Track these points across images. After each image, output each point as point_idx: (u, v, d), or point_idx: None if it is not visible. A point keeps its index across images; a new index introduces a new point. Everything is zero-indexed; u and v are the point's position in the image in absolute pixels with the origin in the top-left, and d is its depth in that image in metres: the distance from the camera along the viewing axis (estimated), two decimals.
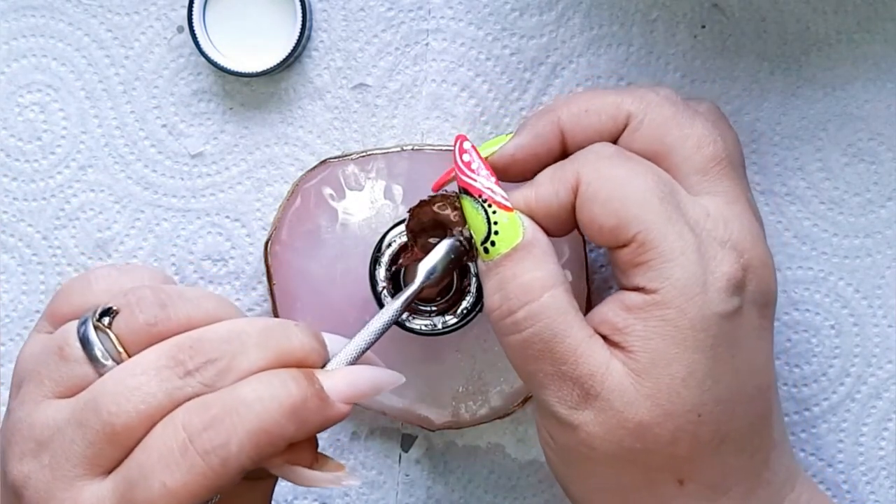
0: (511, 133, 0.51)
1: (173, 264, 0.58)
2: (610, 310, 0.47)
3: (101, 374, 0.44)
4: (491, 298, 0.48)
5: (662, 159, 0.48)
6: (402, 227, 0.52)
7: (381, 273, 0.53)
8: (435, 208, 0.50)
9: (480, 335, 0.55)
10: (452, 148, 0.49)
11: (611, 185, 0.46)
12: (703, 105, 0.52)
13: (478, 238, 0.48)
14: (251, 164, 0.58)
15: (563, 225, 0.48)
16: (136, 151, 0.58)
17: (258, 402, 0.43)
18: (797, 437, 0.57)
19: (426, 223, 0.50)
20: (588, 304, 0.55)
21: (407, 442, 0.58)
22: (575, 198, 0.47)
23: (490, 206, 0.47)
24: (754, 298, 0.47)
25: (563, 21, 0.57)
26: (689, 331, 0.45)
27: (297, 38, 0.55)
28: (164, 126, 0.58)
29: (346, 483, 0.46)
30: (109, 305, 0.45)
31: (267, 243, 0.56)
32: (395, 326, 0.53)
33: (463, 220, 0.49)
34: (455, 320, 0.53)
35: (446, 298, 0.54)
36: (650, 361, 0.45)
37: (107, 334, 0.45)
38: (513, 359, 0.48)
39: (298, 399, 0.44)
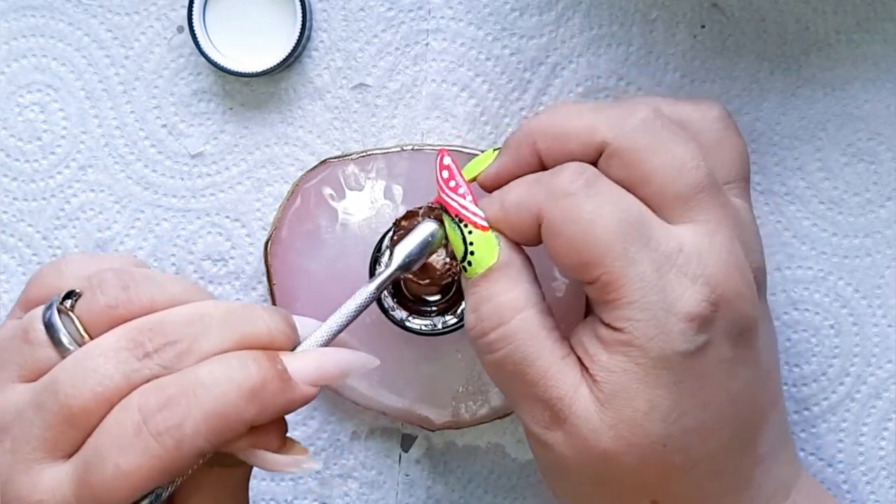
0: (496, 149, 0.50)
1: (173, 264, 0.58)
2: (585, 334, 0.47)
3: (64, 358, 0.44)
4: (468, 317, 0.48)
5: (639, 187, 0.47)
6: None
7: None
8: (420, 220, 0.49)
9: None
10: (435, 160, 0.49)
11: (573, 225, 0.46)
12: (713, 110, 0.51)
13: (458, 255, 0.48)
14: (251, 164, 0.58)
15: (534, 242, 0.48)
16: (136, 151, 0.58)
17: (215, 384, 0.42)
18: (797, 436, 0.57)
19: None
20: (587, 305, 0.55)
21: (407, 442, 0.58)
22: (539, 227, 0.47)
23: (465, 225, 0.48)
24: (726, 330, 0.46)
25: (563, 21, 0.57)
26: (650, 369, 0.45)
27: (297, 38, 0.55)
28: (164, 126, 0.58)
29: (305, 466, 0.45)
30: (73, 289, 0.45)
31: (267, 243, 0.56)
32: (394, 326, 0.53)
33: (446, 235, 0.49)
34: (455, 320, 0.53)
35: (446, 298, 0.54)
36: (612, 393, 0.45)
37: (70, 317, 0.44)
38: (490, 376, 0.49)
39: (257, 380, 0.43)
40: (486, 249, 0.47)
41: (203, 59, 0.56)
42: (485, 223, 0.48)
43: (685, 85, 0.57)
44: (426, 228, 0.49)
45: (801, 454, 0.57)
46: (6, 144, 0.58)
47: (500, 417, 0.57)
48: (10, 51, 0.58)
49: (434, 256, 0.49)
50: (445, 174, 0.48)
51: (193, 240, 0.58)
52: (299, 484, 0.58)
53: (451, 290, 0.54)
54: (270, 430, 0.45)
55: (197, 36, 0.56)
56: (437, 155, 0.49)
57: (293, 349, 0.46)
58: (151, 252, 0.58)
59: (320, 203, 0.56)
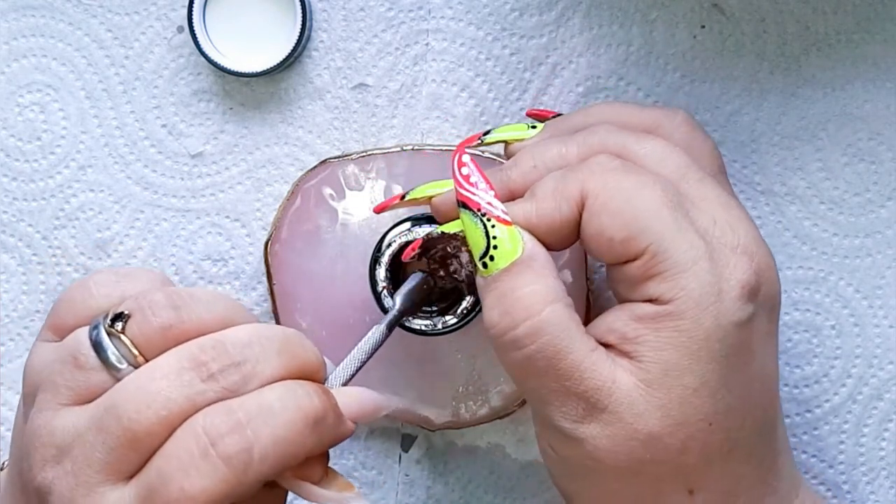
0: (531, 126, 0.52)
1: (173, 264, 0.58)
2: (617, 319, 0.46)
3: (118, 380, 0.44)
4: (490, 314, 0.47)
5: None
6: (402, 227, 0.53)
7: (381, 273, 0.53)
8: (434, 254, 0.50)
9: (480, 335, 0.55)
10: (451, 159, 0.48)
11: (620, 196, 0.45)
12: (679, 115, 0.51)
13: (476, 253, 0.47)
14: (251, 164, 0.58)
15: (564, 240, 0.47)
16: (136, 151, 0.58)
17: (284, 411, 0.43)
18: (798, 438, 0.57)
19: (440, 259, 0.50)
20: (587, 304, 0.55)
21: (407, 442, 0.58)
22: (579, 212, 0.46)
23: (489, 219, 0.47)
24: (764, 303, 0.46)
25: (563, 21, 0.57)
26: (703, 341, 0.45)
27: (297, 38, 0.55)
28: (164, 126, 0.58)
29: None
30: (121, 310, 0.45)
31: (267, 243, 0.56)
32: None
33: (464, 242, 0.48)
34: (455, 320, 0.53)
35: (446, 298, 0.54)
36: (661, 372, 0.45)
37: (120, 339, 0.44)
38: (513, 375, 0.47)
39: (321, 411, 0.44)
40: (511, 243, 0.46)
41: (203, 59, 0.56)
42: (507, 217, 0.47)
43: (685, 85, 0.57)
44: (416, 277, 0.51)
45: (803, 456, 0.57)
46: (6, 144, 0.58)
47: (500, 417, 0.57)
48: (10, 51, 0.58)
49: (458, 268, 0.49)
50: (465, 171, 0.47)
51: (193, 240, 0.58)
52: None
53: (452, 290, 0.54)
54: (316, 461, 0.45)
55: (197, 36, 0.56)
56: (455, 153, 0.48)
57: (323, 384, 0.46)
58: (151, 252, 0.58)
59: (320, 203, 0.56)
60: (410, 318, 0.53)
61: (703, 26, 0.57)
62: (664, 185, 0.46)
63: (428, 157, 0.56)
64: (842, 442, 0.57)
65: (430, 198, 0.51)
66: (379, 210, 0.53)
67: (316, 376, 0.45)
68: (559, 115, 0.55)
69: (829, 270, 0.57)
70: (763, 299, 0.46)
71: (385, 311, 0.53)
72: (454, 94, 0.57)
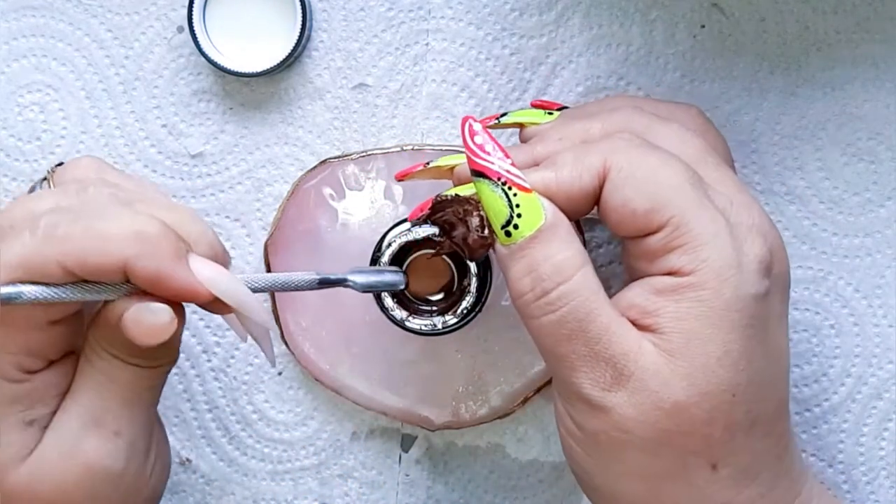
0: (550, 112, 0.52)
1: None
2: (636, 294, 0.47)
3: None
4: (520, 282, 0.47)
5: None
6: (403, 227, 0.53)
7: None
8: (451, 213, 0.49)
9: (480, 335, 0.55)
10: (460, 131, 0.48)
11: (644, 170, 0.46)
12: (692, 108, 0.53)
13: (498, 222, 0.47)
14: (251, 164, 0.58)
15: (580, 210, 0.48)
16: (136, 151, 0.58)
17: (115, 214, 0.45)
18: (798, 437, 0.57)
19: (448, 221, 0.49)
20: None
21: (407, 442, 0.58)
22: (599, 184, 0.47)
23: (510, 188, 0.47)
24: (776, 282, 0.47)
25: (563, 21, 0.57)
26: (724, 311, 0.45)
27: (297, 38, 0.55)
28: (164, 126, 0.58)
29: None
30: (62, 161, 0.49)
31: (267, 243, 0.56)
32: (394, 326, 0.53)
33: (474, 208, 0.48)
34: (455, 320, 0.53)
35: (446, 298, 0.54)
36: (684, 342, 0.45)
37: (47, 179, 0.49)
38: (543, 341, 0.47)
39: (153, 234, 0.45)
40: (533, 211, 0.46)
41: (203, 59, 0.56)
42: (527, 185, 0.47)
43: (685, 85, 0.57)
44: (396, 275, 0.51)
45: (803, 455, 0.57)
46: (6, 144, 0.58)
47: (500, 417, 0.57)
48: (10, 51, 0.58)
49: (465, 232, 0.48)
50: (478, 139, 0.47)
51: None
52: (299, 484, 0.58)
53: (452, 290, 0.54)
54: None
55: (197, 36, 0.56)
56: (464, 123, 0.48)
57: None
58: None
59: (320, 203, 0.56)
60: (411, 318, 0.53)
61: (703, 26, 0.57)
62: (684, 163, 0.47)
63: (428, 157, 0.56)
64: (841, 441, 0.57)
65: (453, 167, 0.51)
66: (400, 177, 0.53)
67: (195, 247, 0.47)
68: (565, 107, 0.55)
69: (829, 270, 0.57)
70: (776, 278, 0.47)
71: (385, 311, 0.53)
72: (454, 94, 0.57)
